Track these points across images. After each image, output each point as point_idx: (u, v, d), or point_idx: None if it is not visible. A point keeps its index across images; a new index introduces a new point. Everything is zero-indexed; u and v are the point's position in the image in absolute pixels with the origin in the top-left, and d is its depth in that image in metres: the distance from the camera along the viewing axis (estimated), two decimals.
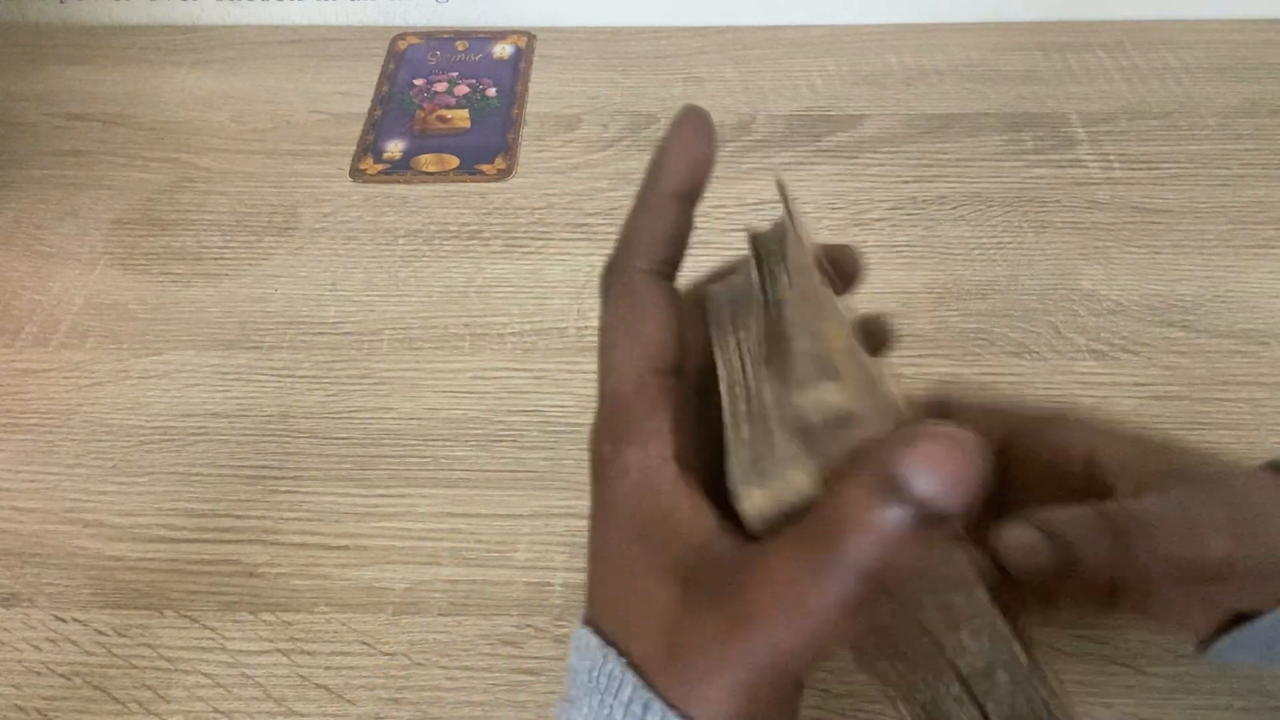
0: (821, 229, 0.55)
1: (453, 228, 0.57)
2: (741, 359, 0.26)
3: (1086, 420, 0.31)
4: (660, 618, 0.24)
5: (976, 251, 0.54)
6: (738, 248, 0.56)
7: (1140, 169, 0.58)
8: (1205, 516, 0.28)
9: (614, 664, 0.24)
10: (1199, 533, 0.28)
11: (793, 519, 0.22)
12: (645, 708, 0.23)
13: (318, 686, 0.39)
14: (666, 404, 0.25)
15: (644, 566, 0.24)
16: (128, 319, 0.52)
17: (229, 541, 0.43)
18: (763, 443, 0.23)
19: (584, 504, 0.44)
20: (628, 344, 0.26)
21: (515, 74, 0.66)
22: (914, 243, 0.55)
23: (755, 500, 0.22)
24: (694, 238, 0.57)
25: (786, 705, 0.24)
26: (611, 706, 0.23)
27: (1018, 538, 0.27)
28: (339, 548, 0.43)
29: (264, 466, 0.46)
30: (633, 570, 0.25)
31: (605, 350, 0.26)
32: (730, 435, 0.24)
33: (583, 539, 0.43)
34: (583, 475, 0.45)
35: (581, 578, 0.41)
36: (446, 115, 0.64)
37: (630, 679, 0.23)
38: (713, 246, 0.55)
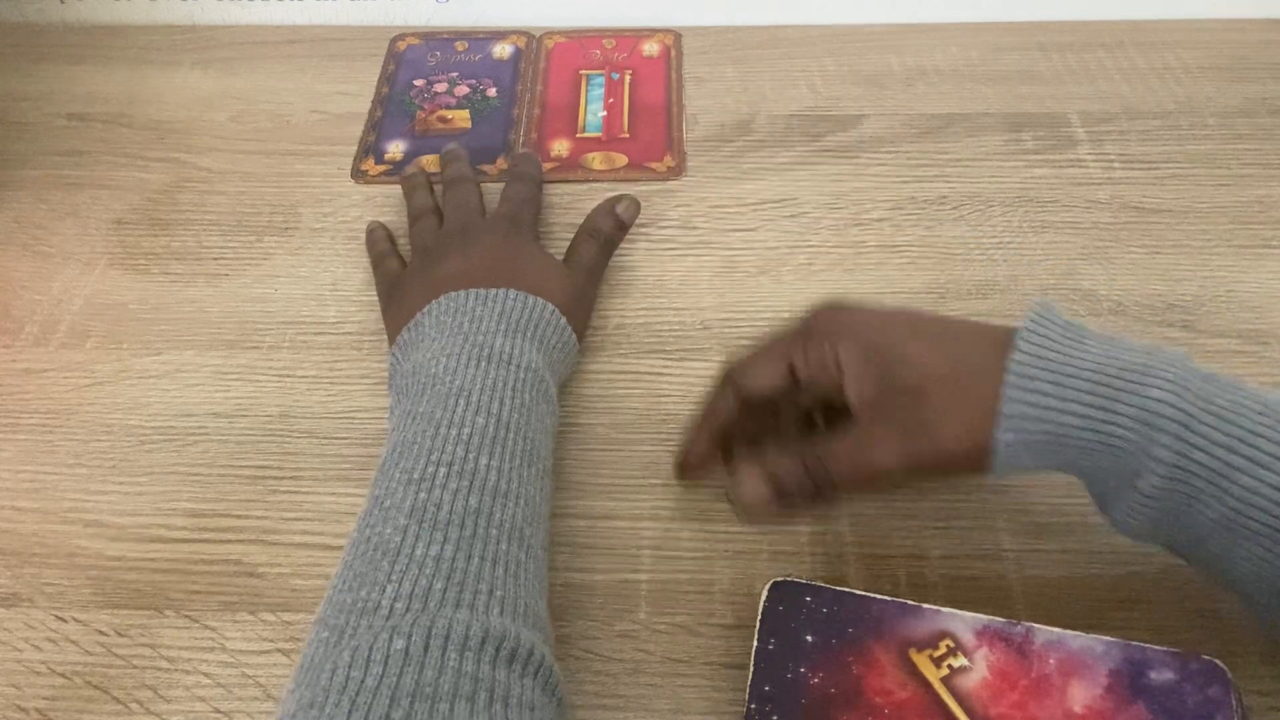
0: (821, 229, 0.55)
1: None
2: None
3: (834, 329, 0.39)
4: None
5: (976, 251, 0.54)
6: (738, 247, 0.57)
7: (1140, 169, 0.58)
8: (877, 438, 0.37)
9: None
10: (870, 456, 0.37)
11: None
12: None
13: None
14: None
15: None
16: (128, 319, 0.52)
17: (229, 541, 0.43)
18: None
19: (583, 504, 0.44)
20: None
21: (515, 74, 0.66)
22: (914, 243, 0.55)
23: None
24: (694, 236, 0.57)
25: None
26: None
27: (751, 485, 0.39)
28: (339, 548, 0.43)
29: (264, 466, 0.46)
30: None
31: None
32: None
33: (582, 539, 0.43)
34: (581, 475, 0.45)
35: (580, 578, 0.42)
36: (447, 116, 0.64)
37: None
38: (713, 246, 0.56)
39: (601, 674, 0.39)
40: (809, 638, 0.35)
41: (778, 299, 0.52)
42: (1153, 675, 0.34)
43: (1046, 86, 0.63)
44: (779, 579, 0.37)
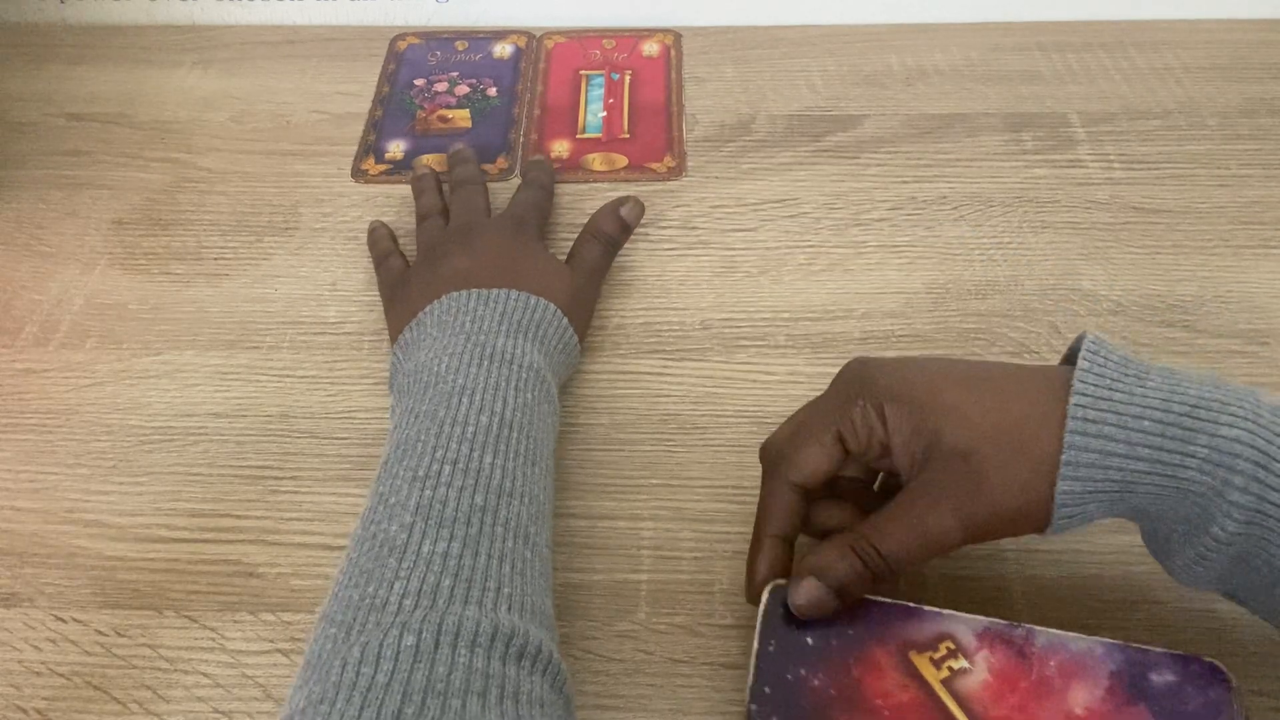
0: (821, 229, 0.55)
1: None
2: None
3: (875, 390, 0.36)
4: None
5: (976, 251, 0.54)
6: (738, 247, 0.57)
7: (1140, 169, 0.58)
8: (929, 507, 0.34)
9: None
10: (922, 530, 0.34)
11: None
12: None
13: None
14: None
15: None
16: (128, 319, 0.52)
17: (229, 541, 0.43)
18: None
19: (583, 504, 0.44)
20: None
21: (516, 74, 0.66)
22: (914, 243, 0.55)
23: None
24: (694, 236, 0.57)
25: None
26: None
27: (806, 594, 0.35)
28: (339, 548, 0.43)
29: (264, 466, 0.46)
30: None
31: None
32: None
33: (582, 539, 0.43)
34: (581, 475, 0.45)
35: (580, 578, 0.42)
36: (448, 115, 0.64)
37: None
38: (713, 246, 0.56)
39: (601, 674, 0.39)
40: (809, 640, 0.35)
41: (778, 299, 0.52)
42: (1154, 677, 0.34)
43: (1046, 86, 0.63)
44: (780, 582, 0.37)
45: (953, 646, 0.35)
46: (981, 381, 0.35)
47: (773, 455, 0.38)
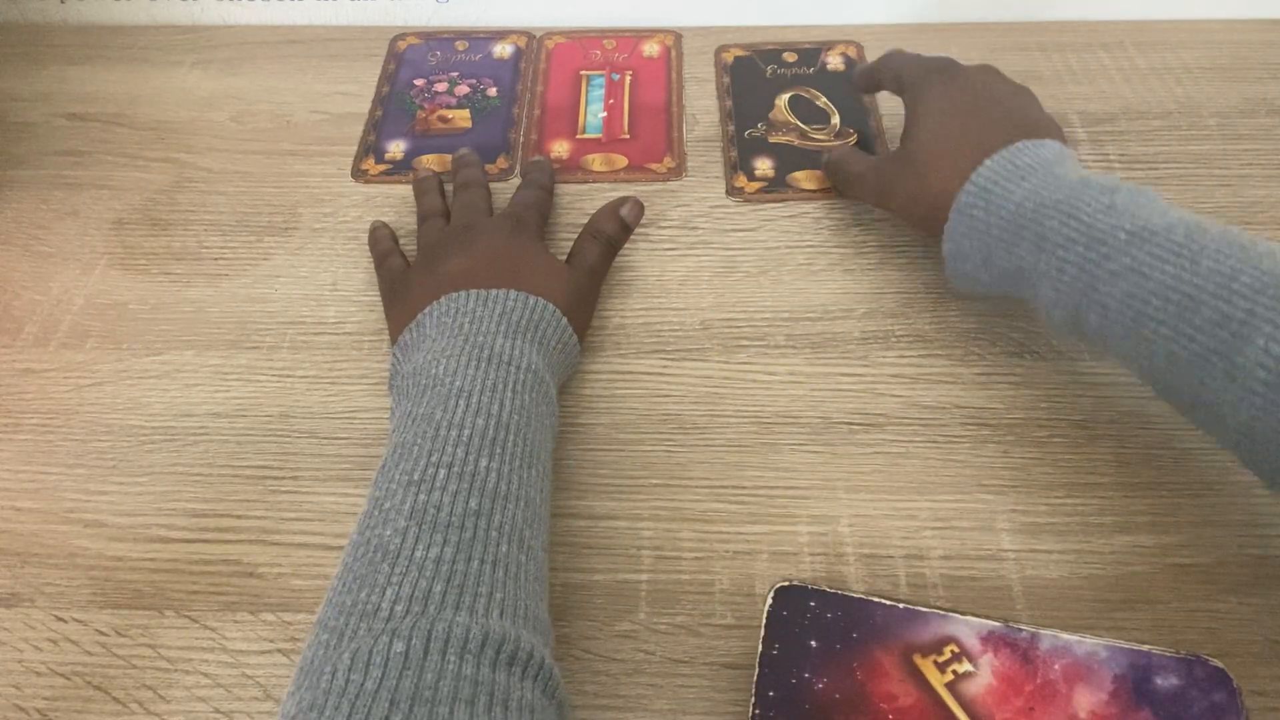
0: (821, 229, 0.55)
1: None
2: None
3: (894, 64, 0.54)
4: None
5: None
6: (738, 247, 0.57)
7: (1140, 169, 0.58)
8: (873, 180, 0.52)
9: None
10: (862, 187, 0.53)
11: None
12: None
13: None
14: None
15: None
16: (128, 319, 0.52)
17: (229, 541, 0.43)
18: None
19: (583, 504, 0.44)
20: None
21: (516, 73, 0.66)
22: (914, 243, 0.55)
23: None
24: (694, 236, 0.57)
25: None
26: None
27: (826, 156, 0.57)
28: (339, 548, 0.43)
29: (264, 466, 0.46)
30: None
31: None
32: None
33: (582, 539, 0.43)
34: (581, 475, 0.45)
35: (580, 578, 0.42)
36: (448, 115, 0.64)
37: None
38: (713, 246, 0.56)
39: (601, 674, 0.39)
40: (813, 643, 0.35)
41: (778, 299, 0.52)
42: (1158, 681, 0.34)
43: (1046, 86, 0.63)
44: (783, 584, 0.37)
45: (957, 650, 0.35)
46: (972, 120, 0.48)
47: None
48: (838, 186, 0.56)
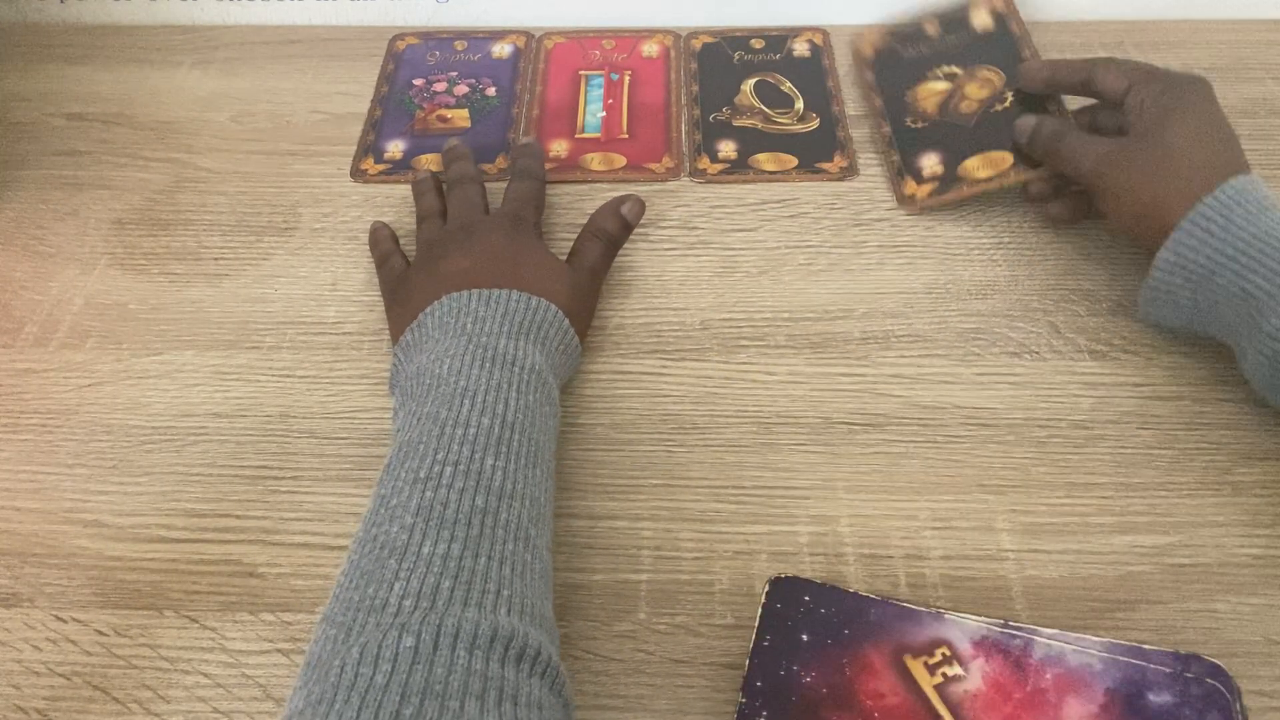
0: (821, 229, 0.55)
1: None
2: None
3: (1127, 65, 0.51)
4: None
5: (976, 252, 0.54)
6: (738, 247, 0.56)
7: None
8: (1102, 152, 0.49)
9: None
10: (1083, 158, 0.49)
11: None
12: None
13: None
14: None
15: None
16: (128, 319, 0.52)
17: (229, 541, 0.43)
18: None
19: (583, 504, 0.44)
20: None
21: (515, 73, 0.66)
22: (914, 243, 0.55)
23: None
24: (694, 236, 0.57)
25: None
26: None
27: (1022, 122, 0.54)
28: (339, 548, 0.43)
29: (264, 466, 0.46)
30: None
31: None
32: None
33: (582, 539, 0.43)
34: (582, 475, 0.45)
35: (580, 578, 0.42)
36: (446, 115, 0.64)
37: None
38: (713, 246, 0.56)
39: (601, 674, 0.39)
40: (804, 636, 0.35)
41: (778, 299, 0.52)
42: (1151, 697, 0.34)
43: None
44: (779, 575, 0.37)
45: (948, 653, 0.35)
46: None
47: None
48: (1043, 151, 0.52)
